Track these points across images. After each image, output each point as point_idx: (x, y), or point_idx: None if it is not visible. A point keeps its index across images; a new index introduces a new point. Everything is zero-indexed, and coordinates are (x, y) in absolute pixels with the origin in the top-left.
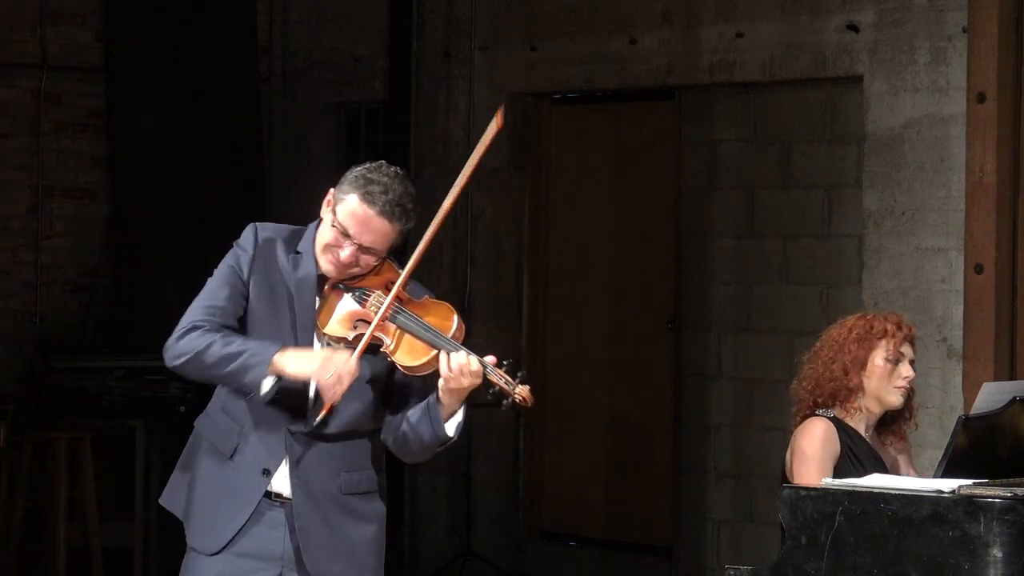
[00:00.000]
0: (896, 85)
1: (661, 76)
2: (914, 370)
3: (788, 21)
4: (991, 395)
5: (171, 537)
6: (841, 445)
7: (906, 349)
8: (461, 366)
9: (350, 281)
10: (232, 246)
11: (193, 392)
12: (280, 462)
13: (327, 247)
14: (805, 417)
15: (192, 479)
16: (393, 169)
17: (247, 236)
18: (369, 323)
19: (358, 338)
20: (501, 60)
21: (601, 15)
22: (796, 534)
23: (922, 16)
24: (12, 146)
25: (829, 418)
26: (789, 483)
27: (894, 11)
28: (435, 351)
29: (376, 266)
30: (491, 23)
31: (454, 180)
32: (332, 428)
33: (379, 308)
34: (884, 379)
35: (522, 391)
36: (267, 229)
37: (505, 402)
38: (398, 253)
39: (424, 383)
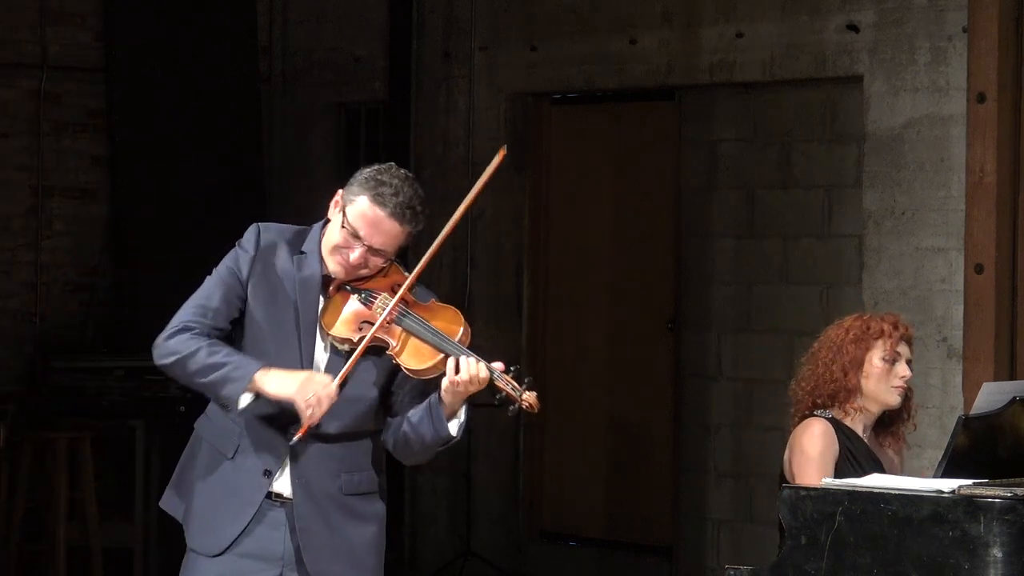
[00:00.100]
0: (896, 85)
1: (661, 76)
2: (911, 370)
3: (788, 21)
4: (991, 395)
5: (171, 537)
6: (840, 446)
7: (903, 349)
8: (469, 372)
9: (356, 283)
10: (234, 245)
11: (193, 392)
12: (281, 463)
13: (336, 248)
14: (803, 418)
15: (192, 481)
16: (403, 171)
17: (249, 236)
18: (374, 325)
19: (363, 340)
20: (501, 60)
21: (601, 15)
22: (796, 534)
23: (922, 16)
24: (12, 146)
25: (827, 419)
26: (787, 484)
27: (894, 11)
28: (441, 355)
29: (383, 268)
30: (491, 23)
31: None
32: (333, 429)
33: (384, 310)
34: (881, 379)
35: (529, 397)
36: (270, 230)
37: (512, 408)
38: (400, 258)
39: (426, 385)
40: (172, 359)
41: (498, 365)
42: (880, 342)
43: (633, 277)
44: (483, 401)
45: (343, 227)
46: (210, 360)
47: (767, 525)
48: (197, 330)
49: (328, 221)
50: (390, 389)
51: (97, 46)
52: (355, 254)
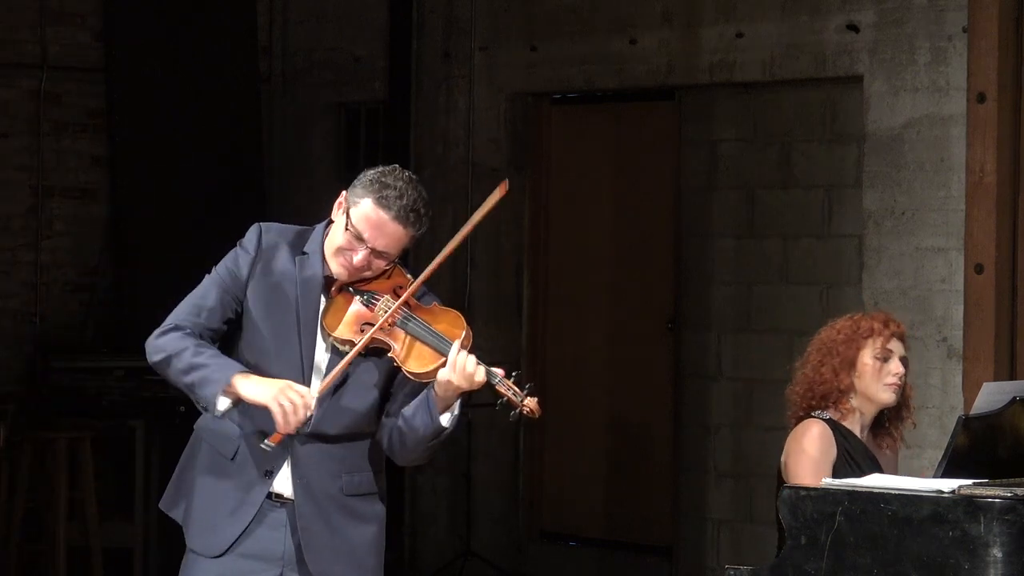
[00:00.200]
0: (896, 85)
1: (661, 76)
2: (905, 366)
3: (788, 21)
4: (991, 395)
5: (171, 537)
6: (838, 447)
7: (895, 346)
8: (466, 371)
9: (358, 284)
10: (236, 245)
11: None
12: (282, 463)
13: (339, 250)
14: (800, 420)
15: (192, 482)
16: (407, 174)
17: (250, 236)
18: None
19: (369, 341)
20: (501, 60)
21: (601, 15)
22: (796, 534)
23: (922, 16)
24: (12, 146)
25: (825, 420)
26: (787, 484)
27: (894, 11)
28: (442, 359)
29: (386, 270)
30: (491, 23)
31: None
32: (333, 430)
33: (386, 313)
34: (874, 377)
35: (530, 403)
36: (272, 230)
37: (513, 413)
38: (402, 260)
39: (424, 387)
40: (160, 356)
41: (499, 371)
42: (871, 340)
43: (633, 277)
44: (484, 401)
45: (347, 229)
46: (194, 360)
47: (767, 525)
48: (188, 330)
49: (331, 222)
50: (390, 391)
51: (97, 46)
52: (358, 256)
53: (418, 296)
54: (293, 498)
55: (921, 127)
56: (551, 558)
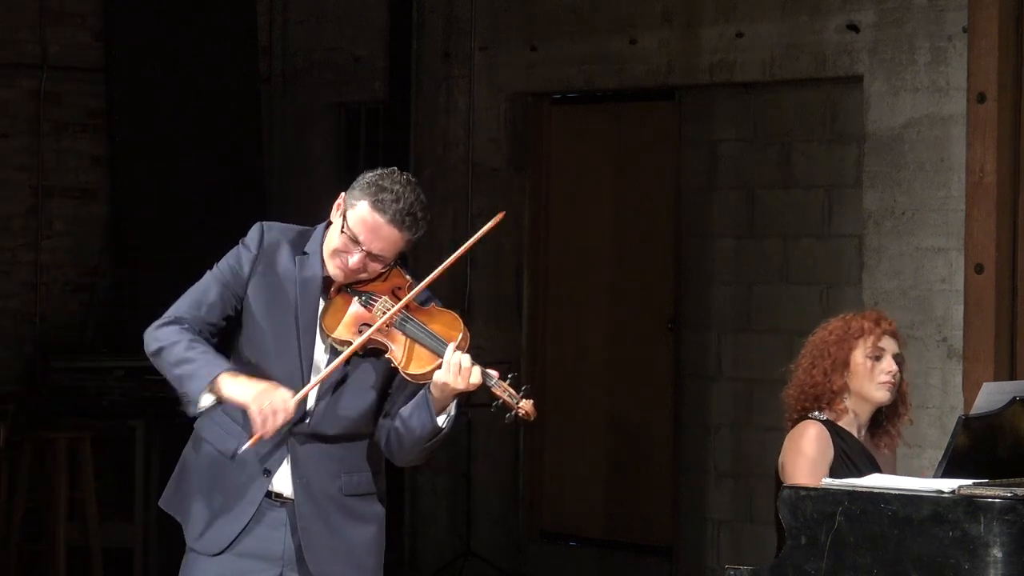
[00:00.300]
0: (896, 85)
1: (661, 76)
2: (900, 363)
3: (788, 21)
4: (991, 395)
5: (171, 537)
6: (835, 448)
7: (887, 344)
8: (461, 371)
9: (357, 285)
10: (237, 244)
11: None
12: (281, 462)
13: (336, 252)
14: (796, 422)
15: (192, 481)
16: (405, 176)
17: (253, 235)
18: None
19: (366, 341)
20: (501, 60)
21: (601, 15)
22: (796, 534)
23: (922, 16)
24: (12, 146)
25: (822, 421)
26: (787, 484)
27: (894, 11)
28: (440, 360)
29: (384, 272)
30: (491, 23)
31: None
32: (332, 430)
33: (384, 314)
34: (867, 377)
35: (525, 405)
36: (274, 229)
37: (508, 415)
38: (401, 261)
39: (421, 388)
40: (155, 346)
41: (495, 373)
42: (862, 340)
43: (633, 277)
44: (484, 402)
45: (343, 231)
46: (185, 354)
47: (767, 525)
48: (187, 323)
49: (331, 223)
50: (388, 392)
51: (97, 46)
52: (354, 259)
53: (417, 297)
54: (292, 497)
55: (921, 127)
56: (551, 558)
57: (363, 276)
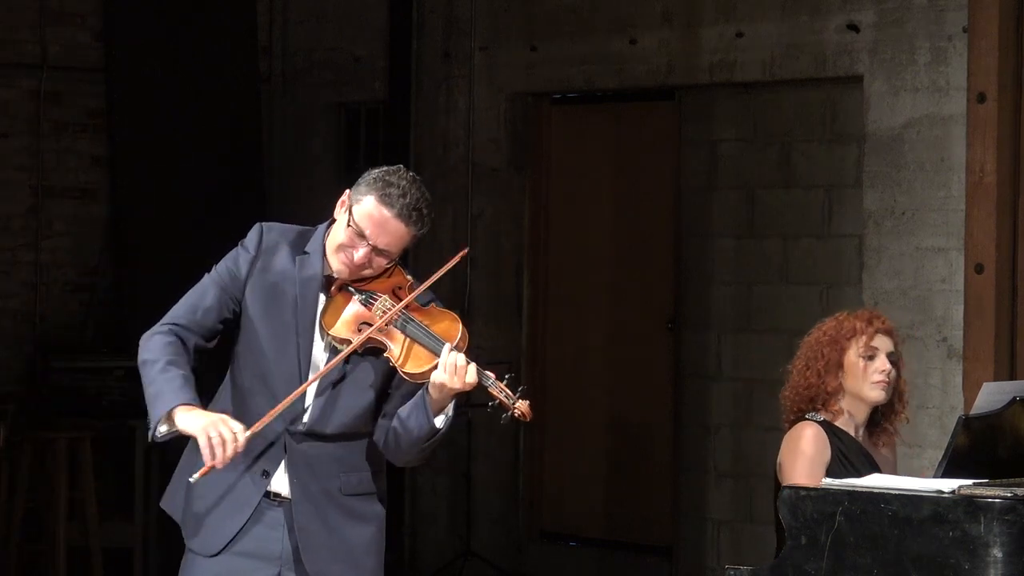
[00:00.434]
0: (896, 85)
1: (661, 76)
2: (895, 361)
3: (788, 21)
4: (991, 395)
5: (171, 537)
6: (832, 449)
7: (880, 342)
8: (457, 371)
9: (358, 284)
10: (237, 245)
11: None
12: (279, 462)
13: (341, 247)
14: (793, 423)
15: (188, 483)
16: (411, 174)
17: (252, 236)
18: (371, 327)
19: (364, 341)
20: (501, 60)
21: (601, 15)
22: (796, 534)
23: (922, 16)
24: (12, 146)
25: (819, 422)
26: (787, 484)
27: (894, 11)
28: (438, 359)
29: (386, 269)
30: (491, 23)
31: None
32: (331, 430)
33: (383, 314)
34: (860, 376)
35: (521, 406)
36: (273, 230)
37: (504, 416)
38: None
39: (420, 387)
40: (140, 358)
41: (491, 373)
42: (854, 340)
43: (633, 277)
44: (483, 401)
45: (349, 226)
46: (159, 376)
47: (767, 525)
48: (178, 333)
49: (333, 221)
50: (387, 391)
51: (97, 46)
52: (359, 253)
53: (416, 297)
54: (290, 497)
55: (921, 127)
56: (551, 558)
57: (367, 272)
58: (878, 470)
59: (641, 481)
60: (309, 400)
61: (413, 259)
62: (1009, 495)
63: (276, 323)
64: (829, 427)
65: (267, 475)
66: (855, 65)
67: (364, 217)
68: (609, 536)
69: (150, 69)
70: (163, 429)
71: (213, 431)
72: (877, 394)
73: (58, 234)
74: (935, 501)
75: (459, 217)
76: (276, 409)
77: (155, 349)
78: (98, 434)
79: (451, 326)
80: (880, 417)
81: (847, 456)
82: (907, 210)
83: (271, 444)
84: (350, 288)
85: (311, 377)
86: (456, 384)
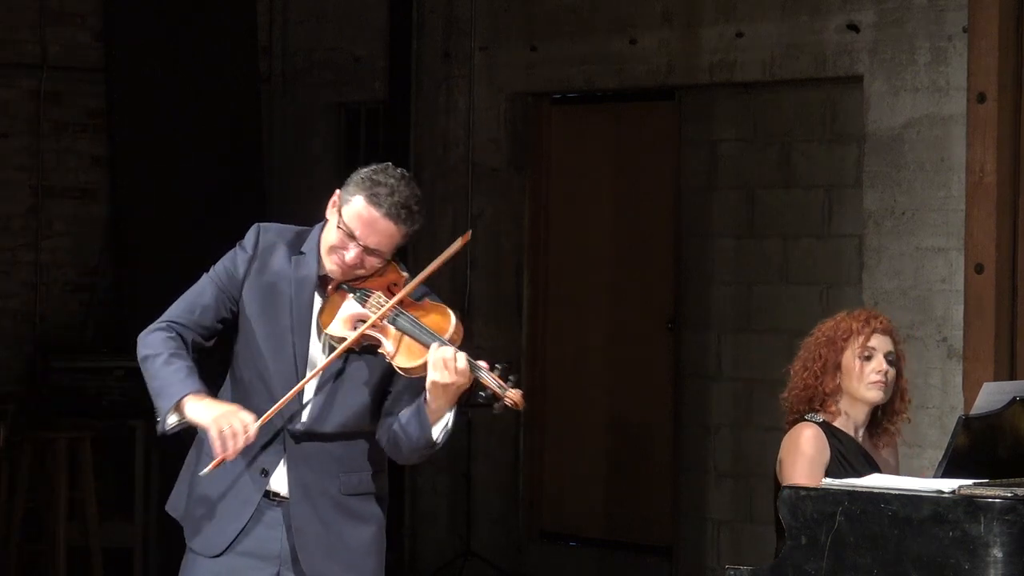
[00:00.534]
0: (896, 85)
1: (661, 76)
2: (895, 360)
3: (788, 21)
4: (991, 395)
5: (171, 537)
6: (831, 450)
7: (878, 342)
8: (446, 362)
9: (353, 282)
10: (235, 245)
11: None
12: (278, 462)
13: (332, 248)
14: (793, 424)
15: (192, 482)
16: (399, 171)
17: (249, 237)
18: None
19: (359, 338)
20: (501, 60)
21: (601, 15)
22: (796, 534)
23: (922, 16)
24: (12, 146)
25: (818, 423)
26: (787, 484)
27: (894, 11)
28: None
29: (380, 267)
30: (491, 23)
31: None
32: (331, 428)
33: (378, 310)
34: (857, 377)
35: (513, 395)
36: (271, 230)
37: (496, 405)
38: (400, 255)
39: (420, 384)
40: (140, 354)
41: (483, 363)
42: (851, 341)
43: (633, 277)
44: (480, 402)
45: (339, 227)
46: (163, 369)
47: (767, 525)
48: (177, 330)
49: (327, 221)
50: (387, 389)
51: (97, 46)
52: (350, 254)
53: (412, 293)
54: (289, 497)
55: (921, 127)
56: (551, 558)
57: (360, 272)
58: (878, 471)
59: (641, 481)
60: (307, 398)
61: (413, 260)
62: (1009, 495)
63: (272, 323)
64: (828, 428)
65: (266, 474)
66: (855, 65)
67: (353, 217)
68: (609, 536)
69: (150, 69)
70: (172, 420)
71: (224, 423)
72: (874, 394)
73: (58, 234)
74: (935, 501)
75: (459, 217)
76: (281, 402)
77: (156, 344)
78: (98, 434)
79: (443, 319)
80: (881, 417)
81: (846, 457)
82: (907, 210)
83: (270, 443)
84: (345, 286)
85: (300, 382)
86: (448, 378)
